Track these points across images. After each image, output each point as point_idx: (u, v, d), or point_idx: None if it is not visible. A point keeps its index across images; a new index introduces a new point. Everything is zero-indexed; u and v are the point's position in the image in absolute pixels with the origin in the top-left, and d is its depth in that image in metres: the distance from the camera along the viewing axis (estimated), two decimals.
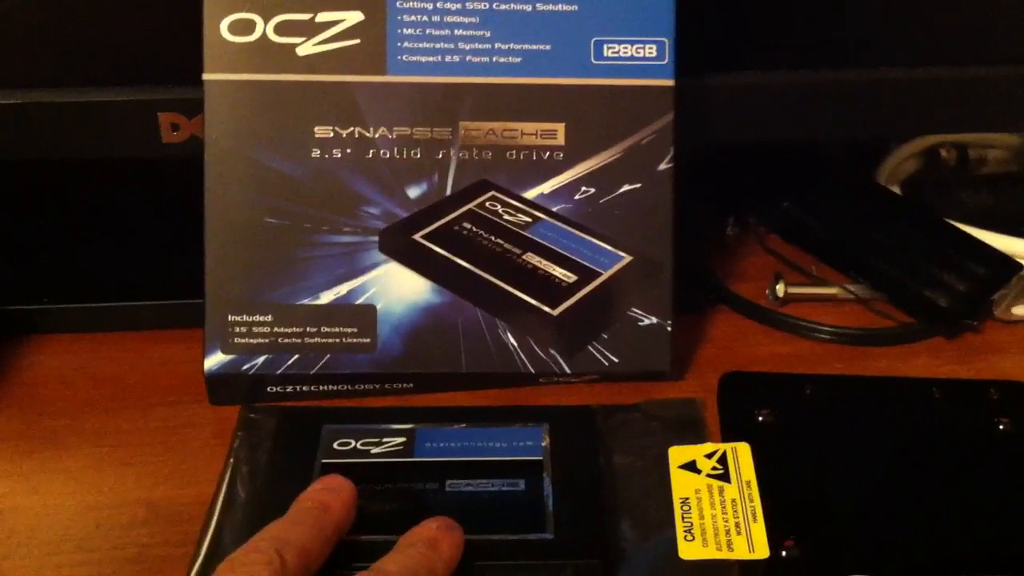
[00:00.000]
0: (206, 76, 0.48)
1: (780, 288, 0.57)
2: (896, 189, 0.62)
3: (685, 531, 0.43)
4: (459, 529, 0.40)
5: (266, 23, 0.48)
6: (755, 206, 0.62)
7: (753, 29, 0.54)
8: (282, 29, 0.48)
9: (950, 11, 0.56)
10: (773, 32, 0.54)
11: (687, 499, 0.44)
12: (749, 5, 0.53)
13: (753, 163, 0.64)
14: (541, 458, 0.45)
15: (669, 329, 0.50)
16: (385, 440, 0.46)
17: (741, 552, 0.42)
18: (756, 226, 0.62)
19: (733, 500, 0.44)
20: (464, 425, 0.47)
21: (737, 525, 0.43)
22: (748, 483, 0.45)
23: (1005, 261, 0.56)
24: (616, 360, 0.50)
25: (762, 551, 0.42)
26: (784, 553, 0.42)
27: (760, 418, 0.48)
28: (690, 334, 0.55)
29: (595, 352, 0.50)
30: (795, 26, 0.55)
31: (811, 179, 0.63)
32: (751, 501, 0.44)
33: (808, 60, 0.56)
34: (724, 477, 0.45)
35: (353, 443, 0.46)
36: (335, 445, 0.46)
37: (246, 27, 0.48)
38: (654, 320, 0.50)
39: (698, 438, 0.47)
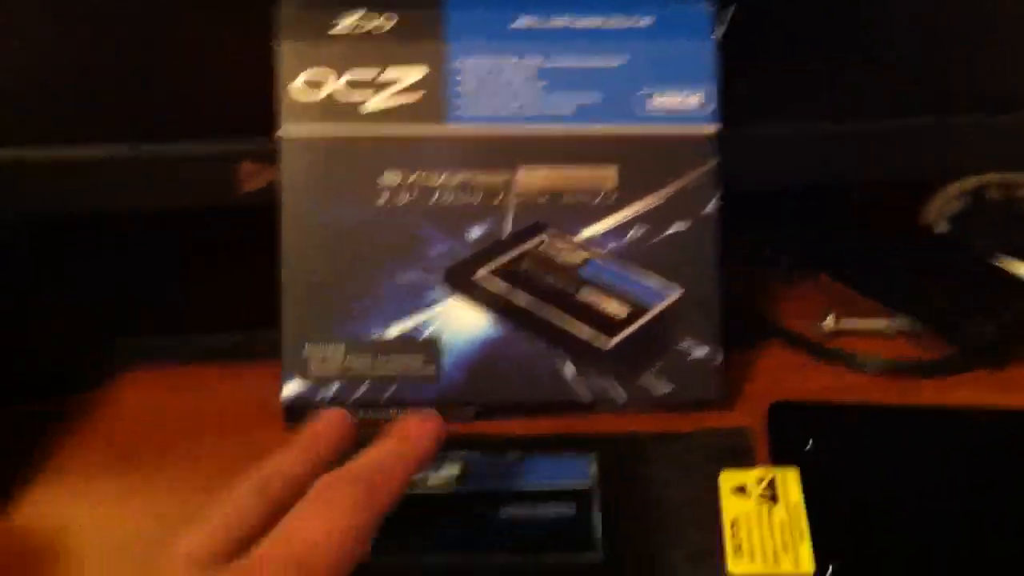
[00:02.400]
0: (282, 131, 0.52)
1: (830, 321, 0.58)
2: (943, 227, 0.64)
3: (735, 548, 0.45)
4: (436, 419, 0.43)
5: (338, 79, 0.51)
6: (805, 245, 0.64)
7: (800, 79, 0.56)
8: (351, 85, 0.52)
9: (988, 58, 0.58)
10: (819, 82, 0.56)
11: (736, 520, 0.46)
12: (795, 57, 0.55)
13: (804, 204, 0.66)
14: (590, 485, 0.48)
15: (719, 360, 0.52)
16: (441, 470, 0.49)
17: (788, 568, 0.44)
18: (806, 264, 0.64)
19: (781, 521, 0.46)
20: (516, 455, 0.50)
21: (784, 544, 0.45)
22: (796, 505, 0.47)
23: None
24: (668, 391, 0.52)
25: (808, 567, 0.44)
26: (830, 571, 0.44)
27: (808, 447, 0.50)
28: (742, 367, 0.56)
29: (648, 382, 0.52)
30: (841, 76, 0.57)
31: (860, 218, 0.64)
32: (799, 522, 0.46)
33: (853, 109, 0.58)
34: (773, 499, 0.47)
35: None
36: None
37: (317, 84, 0.51)
38: (705, 351, 0.52)
39: (747, 465, 0.49)
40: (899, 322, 0.58)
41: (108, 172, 0.55)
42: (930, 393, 0.55)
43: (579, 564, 0.44)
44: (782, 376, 0.57)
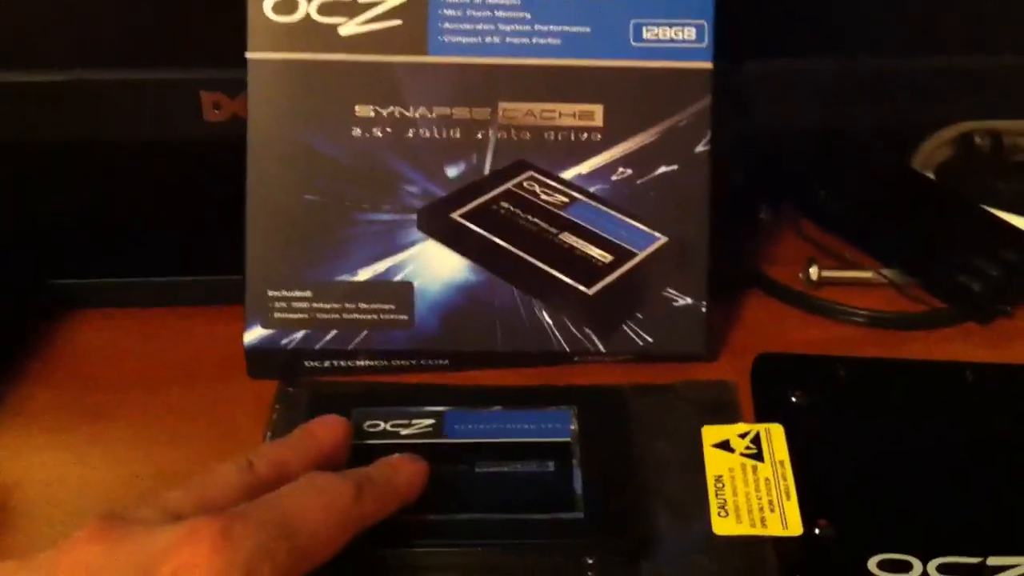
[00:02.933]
0: (250, 55, 0.49)
1: (814, 272, 0.57)
2: (930, 175, 0.62)
3: (719, 508, 0.43)
4: (423, 461, 0.42)
5: (309, 3, 0.48)
6: (789, 191, 0.63)
7: (790, 16, 0.54)
8: (325, 9, 0.48)
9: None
10: (810, 19, 0.54)
11: (720, 477, 0.45)
12: None
13: (787, 148, 0.64)
14: (569, 440, 0.46)
15: (704, 310, 0.50)
16: (415, 422, 0.47)
17: (775, 529, 0.42)
18: (790, 211, 0.62)
19: (767, 479, 0.45)
20: (493, 408, 0.48)
21: (771, 503, 0.44)
22: (781, 463, 0.45)
23: None
24: (651, 340, 0.50)
25: (795, 528, 0.42)
26: (817, 531, 0.42)
27: (793, 399, 0.49)
28: (724, 317, 0.55)
29: (630, 332, 0.50)
30: (832, 13, 0.55)
31: (845, 165, 0.63)
32: (784, 480, 0.44)
33: (844, 48, 0.56)
34: (758, 456, 0.46)
35: (383, 425, 0.46)
36: (365, 427, 0.46)
37: (290, 7, 0.48)
38: (689, 301, 0.50)
39: (731, 420, 0.48)
40: (885, 273, 0.57)
41: (63, 99, 0.52)
42: (917, 346, 0.54)
43: (559, 522, 0.42)
44: (766, 327, 0.55)
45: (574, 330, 0.50)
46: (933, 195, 0.61)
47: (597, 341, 0.50)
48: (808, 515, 0.43)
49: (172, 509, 0.36)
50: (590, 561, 0.41)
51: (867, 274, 0.57)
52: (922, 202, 0.60)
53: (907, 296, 0.56)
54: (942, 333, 0.55)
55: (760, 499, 0.44)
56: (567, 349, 0.50)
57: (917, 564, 0.41)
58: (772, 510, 0.43)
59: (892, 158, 0.64)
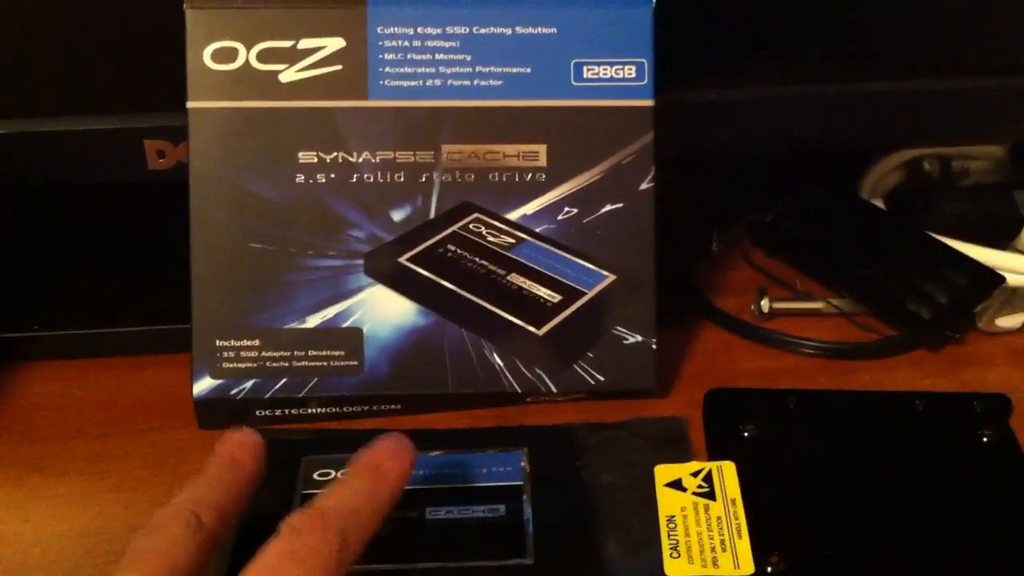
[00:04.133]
0: (190, 104, 0.48)
1: (764, 303, 0.57)
2: (879, 201, 0.63)
3: (671, 548, 0.43)
4: (410, 451, 0.40)
5: (248, 50, 0.48)
6: (739, 219, 0.63)
7: (737, 44, 0.54)
8: (264, 56, 0.48)
9: (933, 24, 0.56)
10: (759, 47, 0.55)
11: (673, 517, 0.45)
12: (730, 21, 0.53)
13: (737, 176, 0.64)
14: (521, 482, 0.45)
15: (654, 347, 0.50)
16: None
17: (726, 568, 0.42)
18: (740, 240, 0.62)
19: (719, 517, 0.44)
20: (443, 452, 0.47)
21: (723, 542, 0.43)
22: (733, 500, 0.45)
23: (987, 274, 0.56)
24: (602, 378, 0.50)
25: (747, 567, 0.42)
26: (769, 569, 0.42)
27: (745, 434, 0.49)
28: (675, 349, 0.55)
29: (581, 371, 0.50)
30: (780, 41, 0.55)
31: (795, 192, 0.63)
32: (736, 518, 0.44)
33: (792, 75, 0.56)
34: (710, 495, 0.45)
35: (333, 473, 0.46)
36: (315, 476, 0.46)
37: (229, 55, 0.48)
38: (639, 338, 0.50)
39: (683, 455, 0.48)
40: (836, 303, 0.57)
41: (11, 148, 0.52)
42: (869, 375, 0.54)
43: (509, 569, 0.42)
44: (717, 358, 0.55)
45: (525, 371, 0.50)
46: (882, 221, 0.61)
47: (548, 381, 0.50)
48: (760, 552, 0.43)
49: None
50: None
51: (818, 304, 0.57)
52: (871, 229, 0.60)
53: (859, 325, 0.57)
54: (893, 361, 0.55)
55: (712, 538, 0.44)
56: (519, 390, 0.50)
57: None
58: (724, 549, 0.43)
59: (841, 185, 0.64)
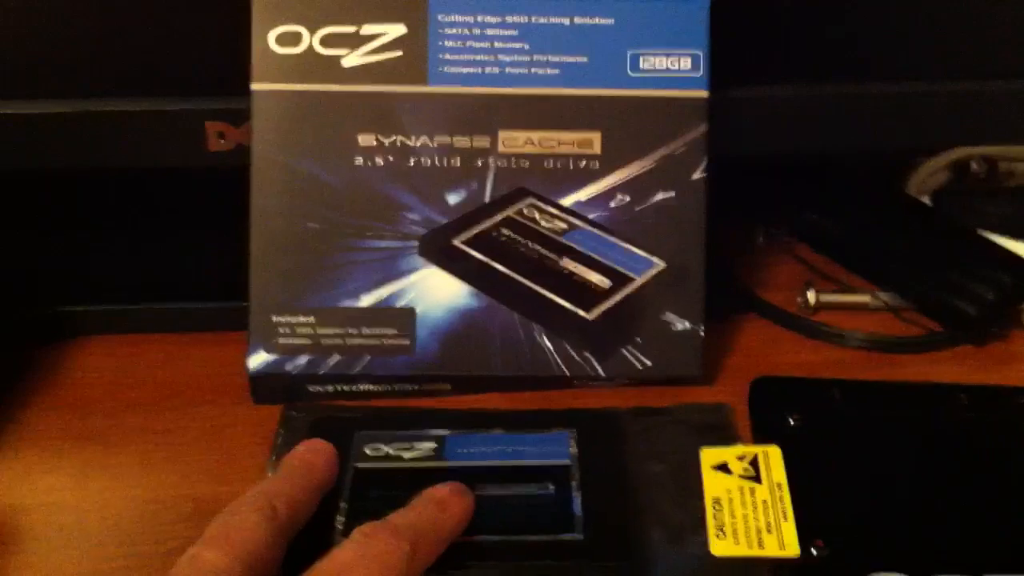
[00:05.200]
0: (254, 86, 0.49)
1: (811, 296, 0.57)
2: (926, 200, 0.63)
3: (717, 529, 0.44)
4: (471, 495, 0.42)
5: (312, 35, 0.49)
6: (785, 216, 0.63)
7: (785, 43, 0.55)
8: (328, 41, 0.49)
9: (980, 25, 0.56)
10: (805, 46, 0.55)
11: (719, 499, 0.45)
12: (782, 20, 0.54)
13: (783, 173, 0.65)
14: (569, 463, 0.46)
15: (701, 334, 0.51)
16: (416, 445, 0.47)
17: (772, 550, 0.43)
18: (786, 236, 0.63)
19: (764, 501, 0.45)
20: (494, 431, 0.48)
21: (768, 525, 0.44)
22: (779, 485, 0.46)
23: None
24: (649, 364, 0.51)
25: (792, 549, 0.43)
26: (814, 552, 0.43)
27: (791, 422, 0.49)
28: (721, 341, 0.55)
29: (629, 356, 0.51)
30: (828, 40, 0.55)
31: (841, 189, 0.63)
32: (781, 502, 0.45)
33: (839, 73, 0.56)
34: (755, 478, 0.46)
35: (385, 448, 0.47)
36: (367, 450, 0.47)
37: (294, 39, 0.49)
38: (686, 325, 0.51)
39: (727, 441, 0.48)
40: (882, 296, 0.58)
41: (67, 129, 0.52)
42: (913, 369, 0.54)
43: (558, 543, 0.42)
44: (762, 350, 0.56)
45: (573, 354, 0.50)
46: (928, 219, 0.62)
47: (596, 365, 0.51)
48: (805, 536, 0.44)
49: (212, 569, 0.36)
50: None
51: (864, 298, 0.58)
52: (917, 226, 0.61)
53: (903, 319, 0.57)
54: (937, 356, 0.55)
55: (758, 520, 0.44)
56: (567, 373, 0.51)
57: None
58: (769, 531, 0.44)
59: (887, 183, 0.64)
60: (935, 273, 0.57)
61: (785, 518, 0.44)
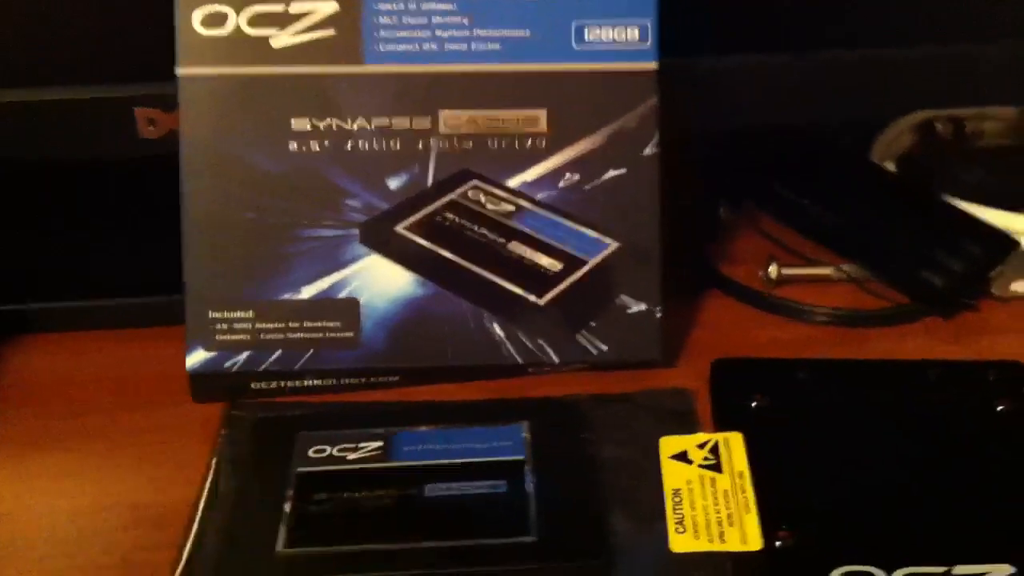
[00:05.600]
0: (179, 71, 0.47)
1: (773, 270, 0.56)
2: (891, 165, 0.61)
3: (676, 523, 0.42)
4: None
5: (239, 15, 0.47)
6: (747, 188, 0.61)
7: (744, 11, 0.53)
8: (256, 21, 0.47)
9: None
10: (764, 14, 0.54)
11: (679, 490, 0.43)
12: None
13: (745, 144, 0.63)
14: (522, 457, 0.44)
15: (659, 316, 0.49)
16: (361, 445, 0.45)
17: (734, 544, 0.41)
18: (749, 208, 0.61)
19: (725, 491, 0.43)
20: (442, 426, 0.46)
21: (730, 516, 0.42)
22: (740, 474, 0.44)
23: (1002, 238, 0.55)
24: (605, 349, 0.49)
25: (755, 543, 0.41)
26: (778, 544, 0.41)
27: (753, 404, 0.48)
28: (682, 319, 0.54)
29: (584, 341, 0.49)
30: (786, 8, 0.54)
31: (804, 159, 0.61)
32: (743, 492, 0.43)
33: (799, 42, 0.55)
34: (716, 467, 0.44)
35: (329, 450, 0.45)
36: (310, 453, 0.45)
37: (219, 20, 0.47)
38: (643, 307, 0.49)
39: (689, 428, 0.47)
40: (845, 268, 0.56)
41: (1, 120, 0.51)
42: (882, 343, 0.53)
43: (511, 547, 0.41)
44: (724, 329, 0.54)
45: (526, 341, 0.49)
46: (893, 187, 0.60)
47: (551, 352, 0.49)
48: (768, 525, 0.42)
49: None
50: None
51: (827, 270, 0.56)
52: (882, 195, 0.59)
53: (869, 292, 0.55)
54: (905, 329, 0.54)
55: (719, 512, 0.42)
56: (520, 361, 0.49)
57: (881, 575, 0.40)
58: (731, 524, 0.42)
59: (851, 150, 0.62)
60: (901, 243, 0.56)
61: (747, 509, 0.42)
